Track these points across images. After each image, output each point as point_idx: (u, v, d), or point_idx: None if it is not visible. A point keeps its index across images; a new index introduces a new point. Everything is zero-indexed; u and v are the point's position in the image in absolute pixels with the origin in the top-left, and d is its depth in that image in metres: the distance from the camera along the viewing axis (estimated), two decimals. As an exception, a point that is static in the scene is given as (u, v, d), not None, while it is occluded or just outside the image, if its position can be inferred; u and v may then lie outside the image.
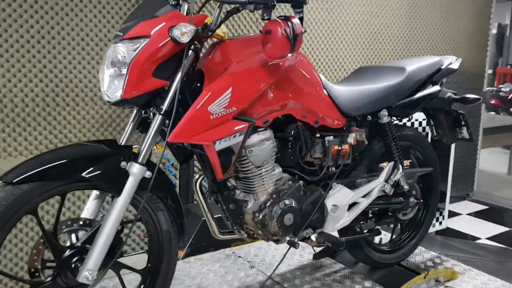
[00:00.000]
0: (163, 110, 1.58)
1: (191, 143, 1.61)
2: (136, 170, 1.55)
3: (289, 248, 1.94)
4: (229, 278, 2.31)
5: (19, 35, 2.29)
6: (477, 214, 4.88)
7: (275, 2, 1.48)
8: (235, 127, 1.64)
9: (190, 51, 1.59)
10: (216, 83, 1.60)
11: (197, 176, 1.88)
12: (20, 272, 2.43)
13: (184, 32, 1.49)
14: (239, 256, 2.54)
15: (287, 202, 1.86)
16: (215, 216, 1.90)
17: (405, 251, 2.47)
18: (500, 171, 6.36)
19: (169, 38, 1.53)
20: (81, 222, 1.62)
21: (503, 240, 4.22)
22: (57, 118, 2.48)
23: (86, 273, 1.50)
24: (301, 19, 1.58)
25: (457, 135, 2.44)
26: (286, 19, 1.54)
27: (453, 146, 3.28)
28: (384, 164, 2.25)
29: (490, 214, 4.93)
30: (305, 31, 1.57)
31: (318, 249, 2.54)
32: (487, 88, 5.43)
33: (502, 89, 9.76)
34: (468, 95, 2.36)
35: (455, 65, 2.28)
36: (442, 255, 2.66)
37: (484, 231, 4.40)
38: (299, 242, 1.91)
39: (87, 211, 1.67)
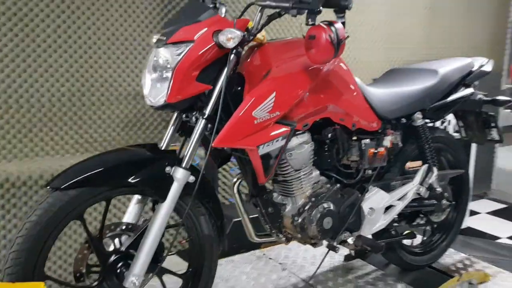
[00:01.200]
0: (206, 115, 1.58)
1: (235, 147, 1.60)
2: (180, 175, 1.55)
3: (327, 252, 1.94)
4: (262, 280, 2.31)
5: (46, 35, 2.30)
6: (496, 213, 4.85)
7: (321, 7, 1.47)
8: (277, 131, 1.64)
9: (232, 55, 1.59)
10: (260, 88, 1.60)
11: (235, 179, 1.89)
12: (64, 274, 2.45)
13: (230, 37, 1.49)
14: (270, 258, 2.54)
15: (325, 205, 1.86)
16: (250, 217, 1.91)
17: (436, 253, 2.47)
18: (518, 170, 6.32)
19: (213, 43, 1.53)
20: (123, 227, 1.63)
21: (524, 239, 4.20)
22: (82, 118, 2.48)
23: (133, 278, 1.51)
24: (343, 24, 1.58)
25: (487, 136, 2.43)
26: (330, 24, 1.54)
27: (473, 145, 3.26)
28: (410, 164, 2.24)
29: (509, 213, 4.90)
30: (348, 36, 1.56)
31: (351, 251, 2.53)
32: (506, 86, 5.40)
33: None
34: (499, 97, 2.35)
35: (487, 67, 2.27)
36: (471, 257, 2.65)
37: (505, 230, 4.37)
38: (338, 245, 1.90)
39: (129, 216, 1.68)
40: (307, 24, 1.52)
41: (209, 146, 1.59)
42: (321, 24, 1.53)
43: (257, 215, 1.93)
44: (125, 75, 2.66)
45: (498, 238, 4.19)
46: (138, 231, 1.60)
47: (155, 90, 1.58)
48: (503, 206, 5.06)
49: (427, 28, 4.01)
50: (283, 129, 1.65)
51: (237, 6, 2.82)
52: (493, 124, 2.40)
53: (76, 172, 1.46)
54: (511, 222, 4.61)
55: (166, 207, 1.54)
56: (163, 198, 1.54)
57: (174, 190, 1.55)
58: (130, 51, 2.66)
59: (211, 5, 1.70)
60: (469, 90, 2.23)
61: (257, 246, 2.64)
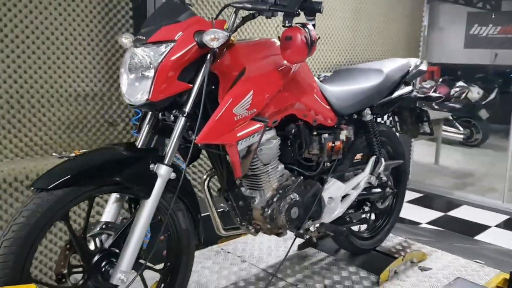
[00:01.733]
0: (186, 113, 1.63)
1: (216, 143, 1.67)
2: (163, 172, 1.59)
3: (294, 240, 2.07)
4: (225, 273, 2.39)
5: None
6: (414, 201, 5.31)
7: (298, 10, 1.58)
8: (253, 127, 1.73)
9: (209, 55, 1.65)
10: (238, 86, 1.68)
11: (205, 176, 1.94)
12: (39, 276, 2.37)
13: (215, 37, 1.55)
14: (228, 252, 2.62)
15: (292, 196, 1.98)
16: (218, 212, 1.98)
17: (380, 237, 2.69)
18: (429, 162, 6.92)
19: (194, 42, 1.58)
20: (103, 226, 1.63)
21: (441, 223, 4.65)
22: (21, 121, 2.41)
23: (120, 275, 1.52)
24: (313, 26, 1.70)
25: (419, 130, 2.69)
26: (303, 26, 1.66)
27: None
28: (358, 156, 2.44)
29: (425, 201, 5.38)
30: (319, 37, 1.69)
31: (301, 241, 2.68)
32: (419, 85, 5.90)
33: (424, 85, 10.53)
34: (432, 94, 2.63)
35: (423, 67, 2.52)
36: (408, 240, 2.91)
37: (424, 216, 4.81)
38: (303, 233, 2.03)
39: (108, 215, 1.68)
40: (283, 25, 1.62)
41: (191, 143, 1.64)
42: (297, 25, 1.64)
43: (222, 209, 2.01)
44: (65, 75, 2.61)
45: (419, 223, 4.60)
46: (119, 229, 1.61)
47: (133, 89, 1.60)
48: (420, 195, 5.54)
49: (351, 31, 4.29)
50: (258, 125, 1.75)
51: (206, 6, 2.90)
52: (425, 119, 2.66)
53: (61, 172, 1.45)
54: (428, 209, 5.07)
55: (150, 204, 1.57)
56: (148, 194, 1.56)
57: (158, 187, 1.58)
58: (70, 51, 2.61)
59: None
60: (409, 88, 2.46)
61: (213, 242, 2.70)
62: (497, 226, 4.70)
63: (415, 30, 5.49)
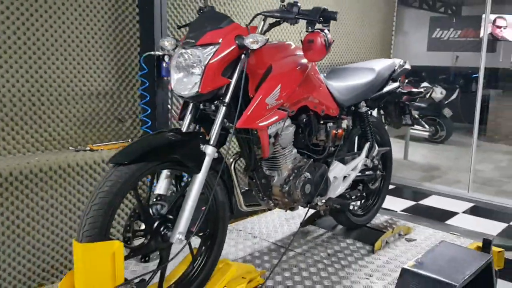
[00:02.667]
0: (226, 103, 1.97)
1: (252, 128, 2.01)
2: (210, 151, 1.92)
3: (306, 213, 2.43)
4: (240, 246, 2.73)
5: (6, 36, 2.45)
6: (388, 192, 5.77)
7: (320, 18, 1.95)
8: (279, 115, 2.09)
9: (243, 55, 2.00)
10: (269, 81, 2.03)
11: (231, 159, 2.29)
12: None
13: (255, 40, 1.89)
14: (239, 230, 2.96)
15: (305, 175, 2.34)
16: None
17: (371, 214, 3.10)
18: (399, 157, 7.43)
19: (235, 45, 1.92)
20: (158, 198, 1.95)
21: (413, 211, 5.13)
22: (42, 117, 2.67)
23: (179, 235, 1.84)
24: (328, 30, 2.07)
25: (402, 121, 3.11)
26: (321, 30, 2.03)
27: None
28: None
29: (397, 192, 5.87)
30: (334, 40, 2.07)
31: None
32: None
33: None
34: (414, 89, 3.04)
35: (407, 66, 2.94)
36: (393, 217, 3.33)
37: (397, 205, 5.28)
38: (315, 205, 2.41)
39: (160, 189, 1.99)
40: (307, 30, 1.99)
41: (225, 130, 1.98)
42: (317, 30, 2.01)
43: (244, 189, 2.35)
44: (80, 75, 2.91)
45: (394, 211, 5.06)
46: (172, 200, 1.93)
47: (183, 84, 1.93)
48: (392, 186, 6.02)
49: (332, 34, 4.70)
50: (282, 114, 2.10)
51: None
52: (407, 112, 3.08)
53: (133, 150, 1.77)
54: (401, 199, 5.56)
55: (201, 177, 1.90)
56: (199, 170, 1.89)
57: (207, 163, 1.91)
58: (84, 52, 2.92)
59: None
60: (396, 84, 2.87)
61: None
62: (464, 212, 5.22)
63: (387, 34, 5.99)
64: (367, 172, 2.83)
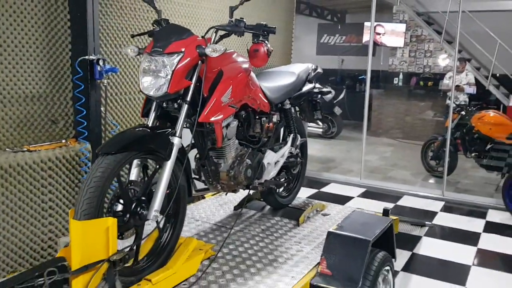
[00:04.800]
0: (188, 101, 2.35)
1: (210, 122, 2.41)
2: (177, 142, 2.30)
3: (249, 192, 2.88)
4: (186, 229, 3.10)
5: None
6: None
7: (264, 32, 2.42)
8: (229, 111, 2.51)
9: (200, 62, 2.39)
10: (223, 83, 2.44)
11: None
12: None
13: (216, 49, 2.29)
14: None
15: (247, 162, 2.79)
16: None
17: (293, 195, 3.64)
18: (299, 150, 8.12)
19: (196, 53, 2.31)
20: (132, 183, 2.28)
21: (317, 197, 5.80)
22: None
23: (155, 213, 2.19)
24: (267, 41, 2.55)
25: (314, 116, 3.69)
26: (263, 42, 2.49)
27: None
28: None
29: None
30: (273, 50, 2.54)
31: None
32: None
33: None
34: (324, 89, 3.62)
35: (320, 70, 3.52)
36: (308, 199, 3.91)
37: (302, 193, 5.90)
38: (257, 186, 2.87)
39: (132, 175, 2.32)
40: (253, 42, 2.44)
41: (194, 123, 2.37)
42: (261, 41, 2.47)
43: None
44: (15, 79, 3.10)
45: (300, 198, 5.64)
46: (144, 185, 2.27)
47: (153, 85, 2.28)
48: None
49: (237, 46, 5.15)
50: (232, 110, 2.54)
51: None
52: (318, 108, 3.66)
53: (118, 142, 2.09)
54: (305, 188, 6.19)
55: (170, 164, 2.26)
56: (168, 157, 2.25)
57: (175, 152, 2.28)
58: (19, 56, 3.11)
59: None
60: (312, 85, 3.43)
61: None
62: (358, 196, 6.03)
63: (288, 41, 6.64)
64: (290, 159, 3.35)
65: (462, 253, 4.20)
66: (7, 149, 3.15)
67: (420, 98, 10.63)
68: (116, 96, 3.92)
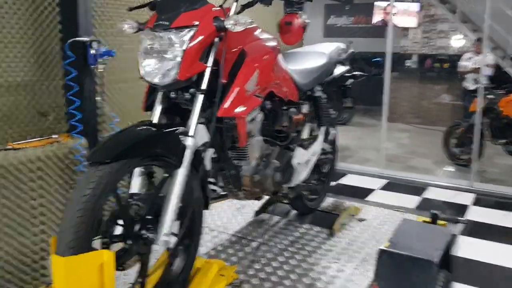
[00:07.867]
0: (204, 90, 1.81)
1: (233, 116, 1.88)
2: (191, 143, 1.76)
3: (276, 200, 2.35)
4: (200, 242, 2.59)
5: None
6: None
7: (300, -1, 1.87)
8: (255, 102, 1.98)
9: (217, 38, 1.85)
10: (246, 66, 1.90)
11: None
12: None
13: (239, 22, 1.75)
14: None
15: (275, 163, 2.26)
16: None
17: (321, 198, 3.11)
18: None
19: (214, 28, 1.77)
20: (133, 197, 1.75)
21: (335, 190, 5.28)
22: None
23: (165, 237, 1.67)
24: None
25: (343, 104, 3.16)
26: (297, 12, 1.95)
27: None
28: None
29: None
30: (309, 22, 2.00)
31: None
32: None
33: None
34: (357, 73, 3.08)
35: (352, 49, 2.97)
36: (337, 200, 3.38)
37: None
38: (286, 193, 2.34)
39: (135, 187, 1.80)
40: (285, 12, 1.90)
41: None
42: (294, 12, 1.93)
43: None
44: None
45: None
46: (148, 200, 1.75)
47: (157, 70, 1.74)
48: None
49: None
50: (258, 100, 2.00)
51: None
52: (348, 94, 3.13)
53: (113, 147, 1.56)
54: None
55: (183, 172, 1.73)
56: (180, 163, 1.72)
57: (188, 156, 1.75)
58: None
59: None
60: (345, 68, 2.89)
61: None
62: (379, 189, 5.51)
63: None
64: (322, 157, 2.82)
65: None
66: (-12, 147, 2.65)
67: (435, 81, 10.07)
68: (114, 84, 3.39)
